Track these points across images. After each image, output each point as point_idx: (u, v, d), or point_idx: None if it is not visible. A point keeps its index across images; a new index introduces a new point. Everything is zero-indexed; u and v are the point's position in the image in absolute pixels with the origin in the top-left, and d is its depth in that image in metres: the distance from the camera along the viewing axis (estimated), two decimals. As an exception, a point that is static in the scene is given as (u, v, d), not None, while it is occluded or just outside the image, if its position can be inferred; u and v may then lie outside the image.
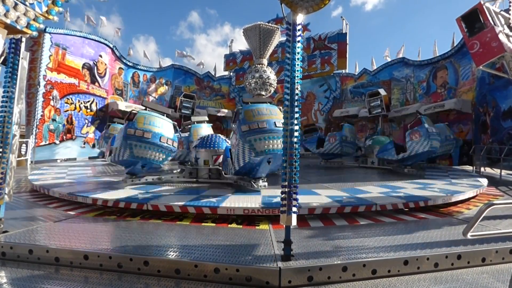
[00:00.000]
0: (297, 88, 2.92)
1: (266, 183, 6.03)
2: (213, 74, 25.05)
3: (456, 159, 14.38)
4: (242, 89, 22.75)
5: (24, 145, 12.27)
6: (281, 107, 4.82)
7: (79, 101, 15.94)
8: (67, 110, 15.22)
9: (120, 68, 19.39)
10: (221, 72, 25.63)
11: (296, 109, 2.91)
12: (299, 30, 2.96)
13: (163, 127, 6.31)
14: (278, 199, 3.43)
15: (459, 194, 5.52)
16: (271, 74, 15.41)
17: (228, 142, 7.26)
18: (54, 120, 14.37)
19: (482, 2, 6.70)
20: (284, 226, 2.88)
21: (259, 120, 5.36)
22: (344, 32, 21.29)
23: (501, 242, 3.15)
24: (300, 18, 2.95)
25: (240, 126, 5.44)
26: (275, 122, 5.37)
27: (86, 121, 16.38)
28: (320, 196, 5.29)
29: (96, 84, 17.25)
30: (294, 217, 2.86)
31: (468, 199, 5.80)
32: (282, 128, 4.63)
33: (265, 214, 4.31)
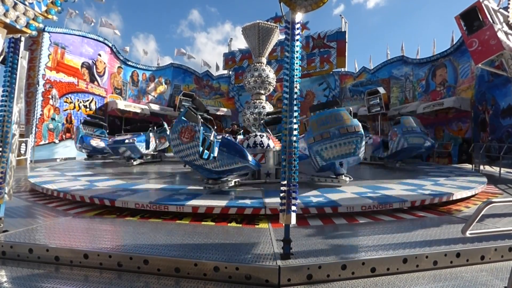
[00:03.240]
0: (296, 87, 2.92)
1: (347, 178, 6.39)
2: (214, 72, 25.04)
3: (456, 157, 14.40)
4: (241, 88, 22.74)
5: (23, 144, 12.25)
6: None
7: (78, 100, 15.92)
8: (66, 109, 15.20)
9: (119, 67, 19.36)
10: (221, 70, 25.63)
11: (295, 108, 2.91)
12: (298, 28, 2.95)
13: None
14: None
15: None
16: (270, 73, 15.37)
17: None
18: (53, 119, 14.35)
19: (481, 0, 6.69)
20: (283, 224, 2.89)
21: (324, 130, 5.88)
22: (343, 30, 21.28)
23: (500, 240, 3.17)
24: (299, 16, 2.95)
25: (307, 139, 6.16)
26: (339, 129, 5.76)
27: (86, 120, 16.38)
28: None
29: (95, 83, 17.22)
30: (293, 215, 2.86)
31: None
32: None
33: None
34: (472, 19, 6.92)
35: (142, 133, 11.05)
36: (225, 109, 23.51)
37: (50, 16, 2.90)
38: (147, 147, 10.91)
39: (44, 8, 2.84)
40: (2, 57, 3.41)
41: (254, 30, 14.65)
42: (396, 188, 5.95)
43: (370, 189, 5.78)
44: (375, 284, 2.55)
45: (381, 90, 17.00)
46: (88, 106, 16.56)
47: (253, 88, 15.26)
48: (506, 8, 6.90)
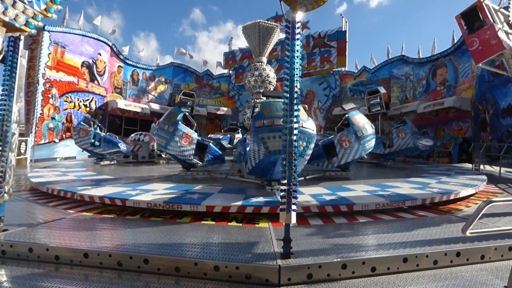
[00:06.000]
0: (296, 86, 2.92)
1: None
2: (214, 71, 25.03)
3: (456, 157, 14.40)
4: (241, 87, 22.74)
5: (23, 143, 12.24)
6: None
7: (78, 99, 15.91)
8: (67, 109, 15.19)
9: (119, 66, 19.35)
10: (221, 70, 25.63)
11: (296, 107, 2.91)
12: (298, 28, 2.94)
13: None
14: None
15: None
16: (270, 72, 15.38)
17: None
18: (53, 118, 14.34)
19: (481, 0, 6.67)
20: (283, 224, 2.89)
21: (276, 116, 4.69)
22: (343, 30, 21.27)
23: (500, 240, 3.16)
24: (300, 16, 2.94)
25: (254, 122, 4.93)
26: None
27: (86, 119, 16.36)
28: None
29: (95, 82, 17.22)
30: (293, 215, 2.86)
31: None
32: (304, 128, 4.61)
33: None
34: (473, 19, 6.90)
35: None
36: (225, 109, 23.53)
37: (49, 15, 2.89)
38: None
39: (43, 7, 2.83)
40: (1, 56, 3.40)
41: (254, 29, 14.64)
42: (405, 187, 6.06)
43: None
44: (376, 283, 2.54)
45: (382, 89, 16.99)
46: (88, 105, 16.56)
47: (254, 87, 15.25)
48: (506, 8, 6.88)
